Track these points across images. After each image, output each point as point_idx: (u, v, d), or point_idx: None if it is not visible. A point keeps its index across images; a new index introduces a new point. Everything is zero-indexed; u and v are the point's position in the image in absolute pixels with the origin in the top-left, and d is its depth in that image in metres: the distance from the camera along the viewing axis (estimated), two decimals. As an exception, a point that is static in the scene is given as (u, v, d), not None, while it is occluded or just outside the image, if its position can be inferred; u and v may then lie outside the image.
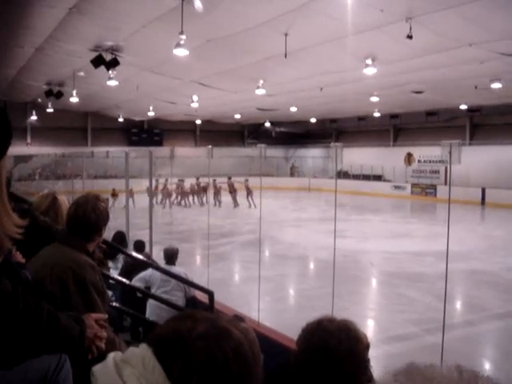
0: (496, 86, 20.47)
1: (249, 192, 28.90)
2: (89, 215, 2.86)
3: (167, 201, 29.21)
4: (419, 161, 36.90)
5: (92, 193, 3.19)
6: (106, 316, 2.47)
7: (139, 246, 9.03)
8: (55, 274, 2.68)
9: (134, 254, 7.55)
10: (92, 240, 2.94)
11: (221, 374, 1.00)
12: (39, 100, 29.40)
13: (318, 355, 1.77)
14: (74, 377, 2.17)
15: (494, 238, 19.11)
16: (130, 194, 26.84)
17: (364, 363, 1.83)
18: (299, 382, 1.82)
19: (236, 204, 29.64)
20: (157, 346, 1.03)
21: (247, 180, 29.46)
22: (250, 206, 28.22)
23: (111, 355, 1.07)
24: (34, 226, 2.95)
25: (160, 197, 29.38)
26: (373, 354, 1.98)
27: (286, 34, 14.40)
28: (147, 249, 9.41)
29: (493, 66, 17.23)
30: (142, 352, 1.03)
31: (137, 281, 7.10)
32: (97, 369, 1.05)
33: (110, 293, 6.38)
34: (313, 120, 41.37)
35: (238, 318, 3.44)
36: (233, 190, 30.12)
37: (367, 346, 1.88)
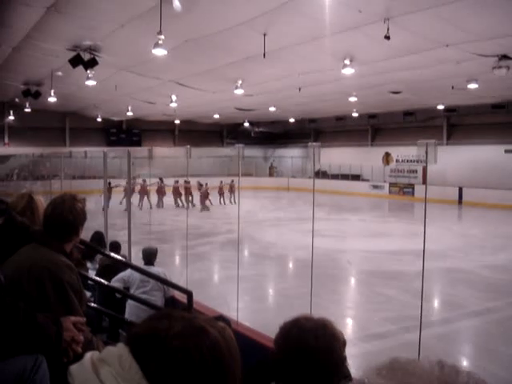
0: (472, 86, 20.67)
1: (221, 193, 29.78)
2: (66, 215, 2.84)
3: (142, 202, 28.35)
4: (397, 160, 37.20)
5: (69, 193, 3.16)
6: (84, 319, 2.46)
7: (114, 247, 8.93)
8: (32, 274, 2.65)
9: (112, 254, 7.50)
10: (69, 240, 2.91)
11: (197, 372, 1.01)
12: (17, 100, 29.05)
13: (294, 353, 1.79)
14: (51, 377, 2.16)
15: (470, 237, 19.33)
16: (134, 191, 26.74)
17: (341, 360, 1.85)
18: (277, 379, 1.84)
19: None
20: (134, 344, 1.04)
21: (222, 182, 30.19)
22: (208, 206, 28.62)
23: (88, 355, 1.07)
24: (11, 227, 2.94)
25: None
26: (351, 352, 2.01)
27: (264, 34, 14.40)
28: (126, 249, 9.36)
29: (469, 67, 17.41)
30: (118, 351, 1.04)
31: (115, 281, 7.06)
32: (74, 368, 1.05)
33: (88, 294, 6.35)
34: (291, 120, 41.47)
35: (223, 319, 3.44)
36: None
37: (344, 344, 1.91)
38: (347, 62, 16.82)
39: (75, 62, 16.98)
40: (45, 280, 2.65)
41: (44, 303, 2.57)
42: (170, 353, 1.01)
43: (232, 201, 30.52)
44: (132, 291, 7.02)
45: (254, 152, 44.92)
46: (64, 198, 2.96)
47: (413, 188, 34.23)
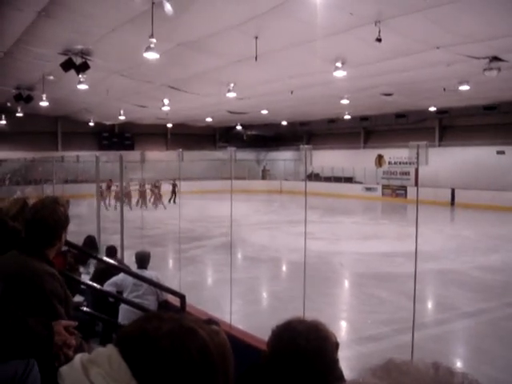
0: (464, 88, 20.75)
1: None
2: (46, 221, 2.74)
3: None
4: (389, 162, 37.26)
5: (50, 196, 3.09)
6: (76, 323, 2.42)
7: (111, 251, 8.93)
8: (12, 284, 2.55)
9: (105, 258, 7.49)
10: (52, 246, 2.81)
11: (186, 372, 1.02)
12: (8, 104, 28.95)
13: (287, 355, 1.79)
14: (42, 382, 2.15)
15: (462, 238, 19.37)
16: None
17: (333, 362, 1.85)
18: (270, 382, 1.84)
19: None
20: (123, 345, 1.04)
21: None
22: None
23: (78, 356, 1.08)
24: (2, 231, 2.92)
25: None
26: (345, 355, 2.01)
27: (256, 37, 14.44)
28: (119, 253, 9.34)
29: (460, 69, 17.49)
30: (108, 352, 1.05)
31: (108, 285, 7.05)
32: (64, 369, 1.06)
33: (81, 298, 6.34)
34: (284, 123, 41.48)
35: (212, 322, 3.43)
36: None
37: (336, 346, 1.90)
38: (339, 64, 16.87)
39: (67, 66, 16.97)
40: (25, 290, 2.55)
41: (26, 313, 2.50)
42: (159, 352, 1.02)
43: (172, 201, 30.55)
44: (125, 295, 7.01)
45: (247, 155, 44.90)
46: (44, 203, 2.87)
47: (405, 190, 34.29)
